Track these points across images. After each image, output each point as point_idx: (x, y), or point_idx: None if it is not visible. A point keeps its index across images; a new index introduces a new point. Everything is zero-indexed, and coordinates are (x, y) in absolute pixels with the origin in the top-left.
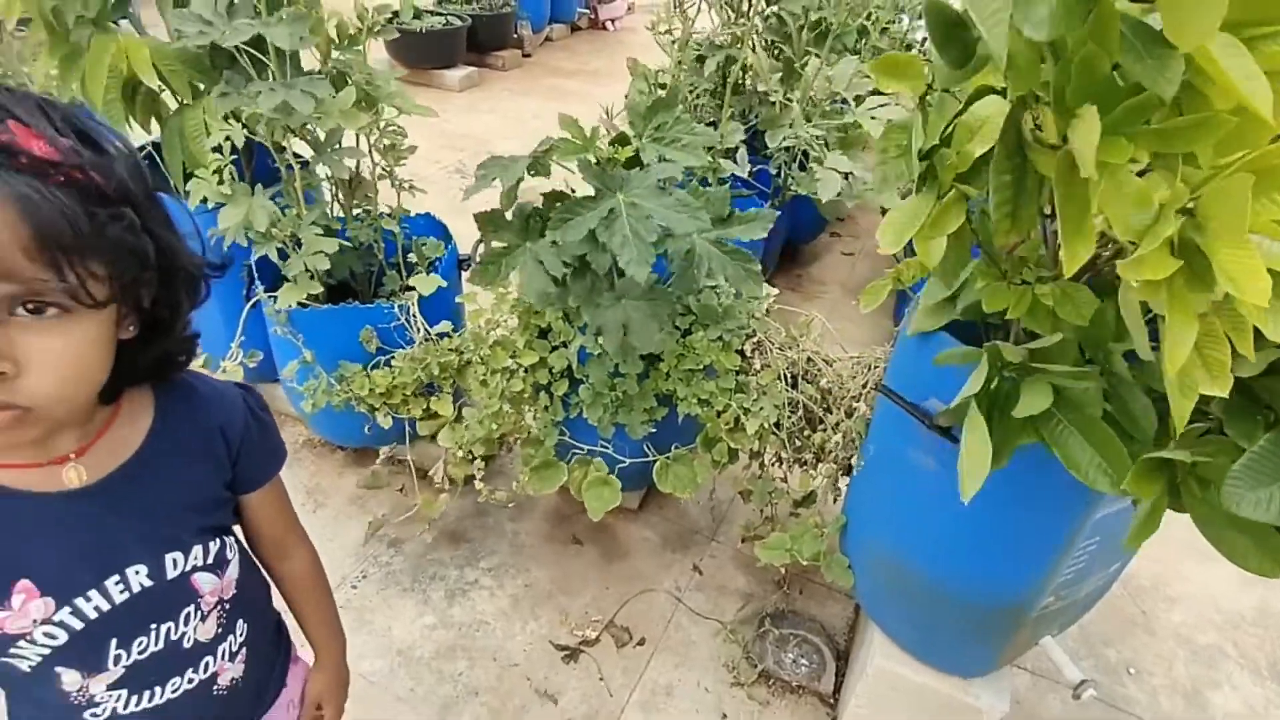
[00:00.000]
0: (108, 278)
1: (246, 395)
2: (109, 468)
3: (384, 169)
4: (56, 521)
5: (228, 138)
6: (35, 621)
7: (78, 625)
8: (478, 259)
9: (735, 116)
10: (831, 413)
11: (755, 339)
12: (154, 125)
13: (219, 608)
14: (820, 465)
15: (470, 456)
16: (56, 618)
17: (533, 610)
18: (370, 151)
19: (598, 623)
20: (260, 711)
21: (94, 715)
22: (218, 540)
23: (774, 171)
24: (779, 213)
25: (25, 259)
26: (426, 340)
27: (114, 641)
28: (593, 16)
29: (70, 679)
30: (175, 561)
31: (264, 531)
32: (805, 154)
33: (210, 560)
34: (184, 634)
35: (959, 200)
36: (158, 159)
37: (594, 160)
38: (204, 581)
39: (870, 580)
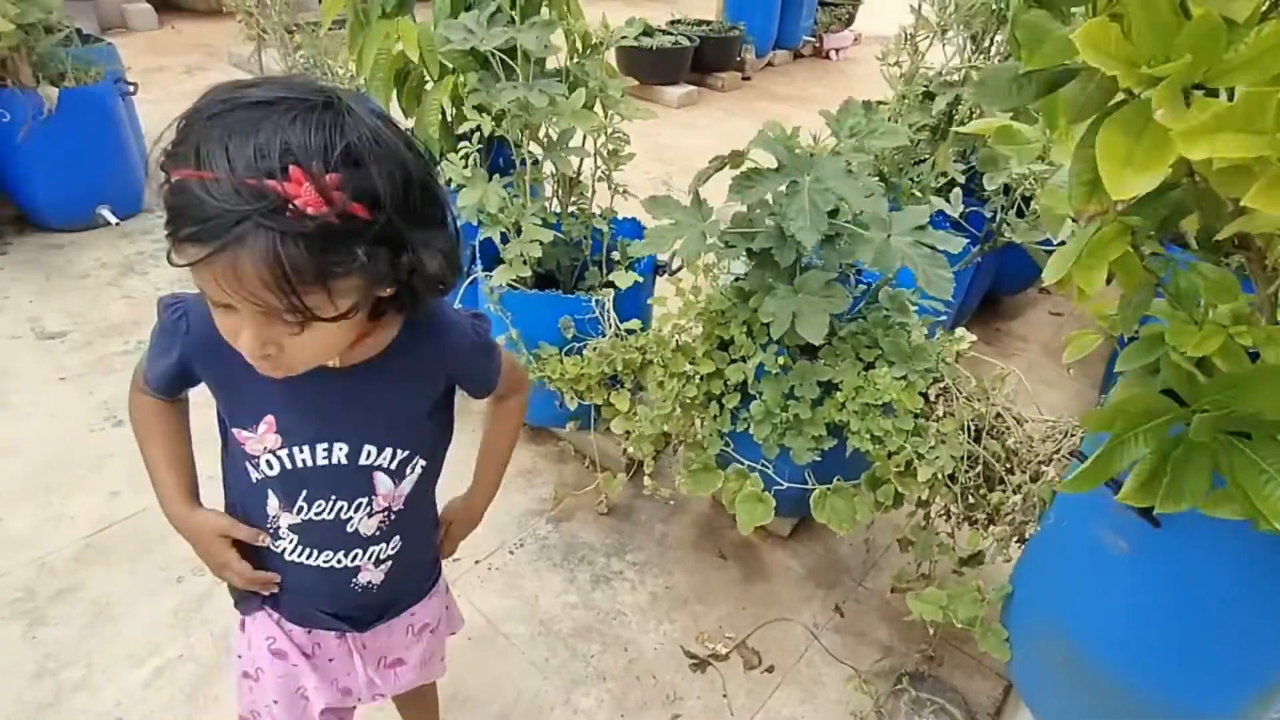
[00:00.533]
0: (351, 297)
1: (475, 323)
2: (353, 360)
3: (603, 172)
4: (307, 385)
5: (476, 128)
6: (265, 449)
7: (288, 465)
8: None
9: (955, 158)
10: (1014, 474)
11: (942, 384)
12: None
13: (385, 513)
14: (993, 527)
15: (640, 451)
16: (278, 453)
17: (668, 612)
18: (595, 154)
19: (730, 640)
20: (379, 622)
21: (277, 545)
22: (407, 453)
23: (988, 215)
24: (967, 240)
25: (277, 295)
26: (616, 336)
27: (304, 493)
28: (817, 45)
29: (272, 505)
30: (369, 453)
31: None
32: (1026, 200)
33: (393, 466)
34: (350, 519)
35: (1122, 230)
36: None
37: (789, 149)
38: (381, 483)
39: (1031, 660)
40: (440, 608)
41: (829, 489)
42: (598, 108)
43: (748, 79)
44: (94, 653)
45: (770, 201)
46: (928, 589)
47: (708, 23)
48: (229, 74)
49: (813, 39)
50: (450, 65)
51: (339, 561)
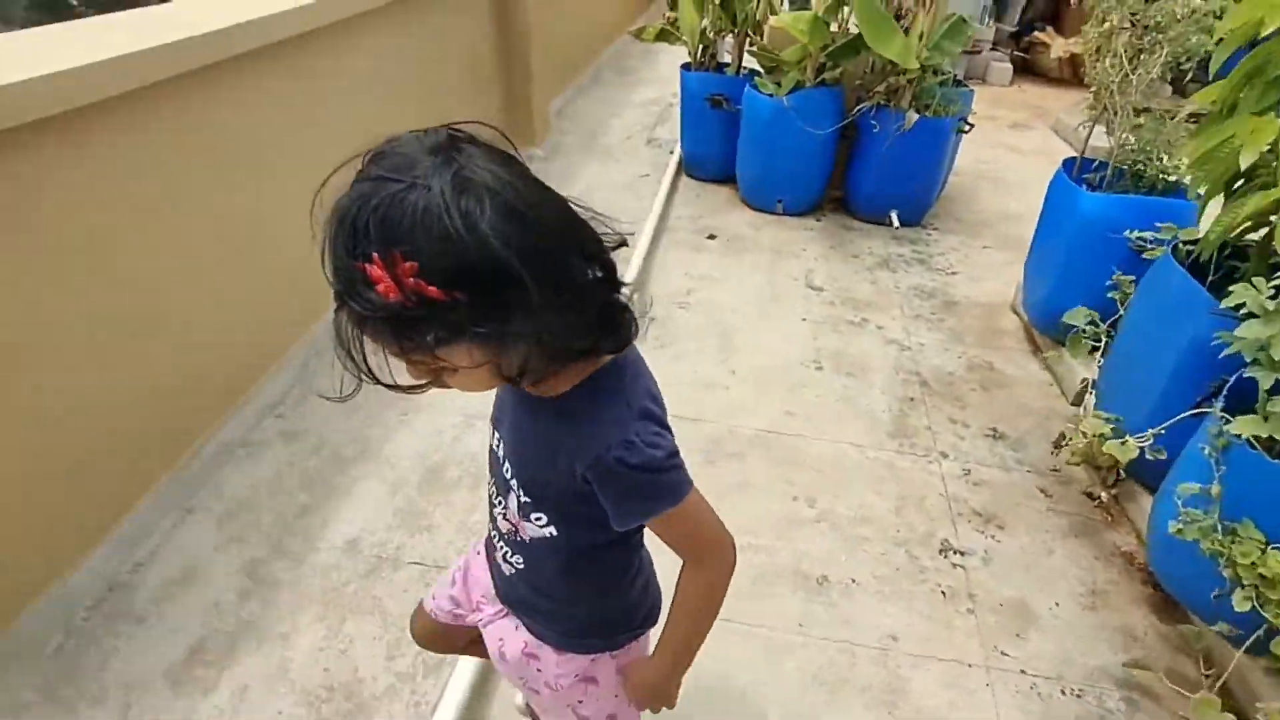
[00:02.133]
0: (464, 358)
1: (621, 449)
2: (540, 391)
3: None
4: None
5: None
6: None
7: (489, 442)
8: None
9: None
10: None
11: None
12: None
13: (513, 529)
14: None
15: None
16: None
17: None
18: None
19: None
20: (517, 606)
21: (488, 511)
22: (531, 501)
23: None
24: None
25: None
26: None
27: (492, 463)
28: None
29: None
30: (508, 469)
31: (659, 538)
32: None
33: (521, 499)
34: (495, 505)
35: None
36: None
37: None
38: (512, 504)
39: None
40: (557, 674)
41: None
42: None
43: None
44: None
45: None
46: None
47: None
48: (1045, 135)
49: None
50: None
51: (496, 538)
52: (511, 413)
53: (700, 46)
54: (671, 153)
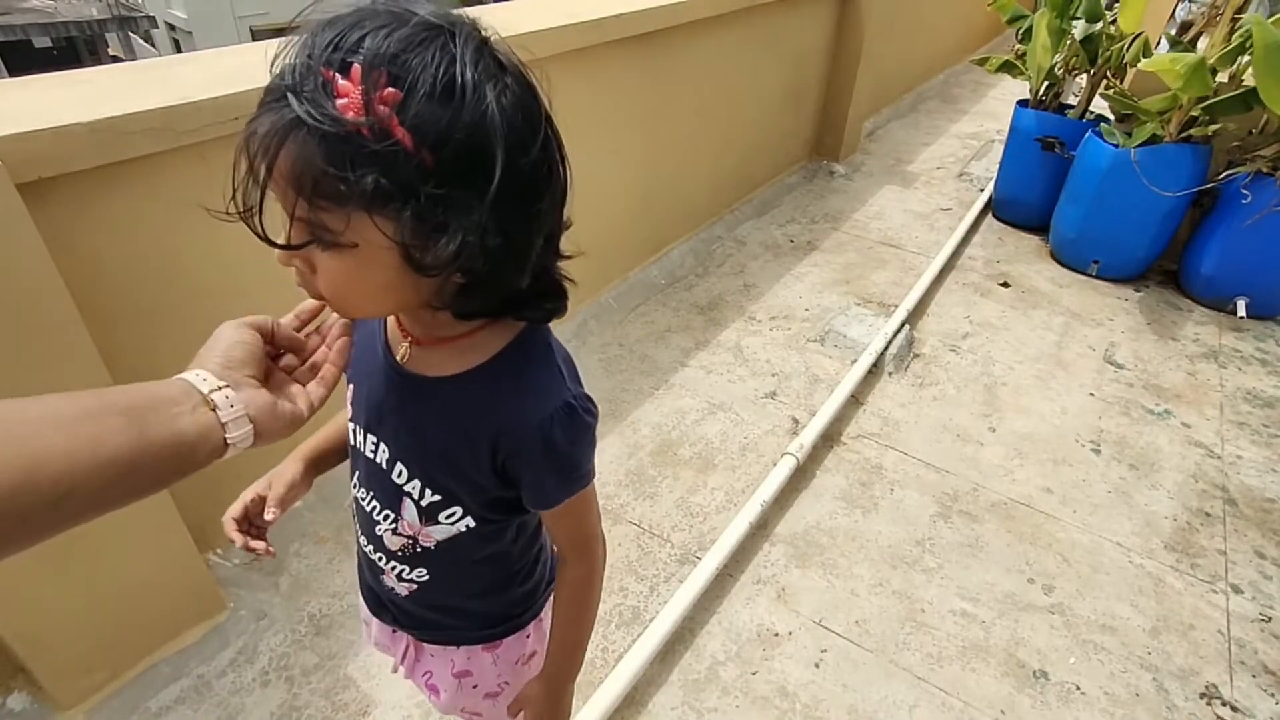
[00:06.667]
0: (372, 235)
1: (561, 415)
2: (424, 368)
3: None
4: (380, 374)
5: None
6: (348, 417)
7: (353, 441)
8: None
9: None
10: None
11: None
12: None
13: (409, 541)
14: None
15: None
16: (349, 424)
17: None
18: None
19: None
20: (417, 632)
21: (363, 535)
22: (440, 498)
23: None
24: None
25: (292, 194)
26: None
27: (360, 475)
28: None
29: (351, 469)
30: (400, 473)
31: (546, 527)
32: None
33: (423, 503)
34: (379, 524)
35: None
36: None
37: None
38: (408, 510)
39: None
40: (497, 674)
41: None
42: None
43: None
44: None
45: None
46: None
47: None
48: None
49: None
50: None
51: (369, 552)
52: (398, 409)
53: (1044, 84)
54: (982, 190)
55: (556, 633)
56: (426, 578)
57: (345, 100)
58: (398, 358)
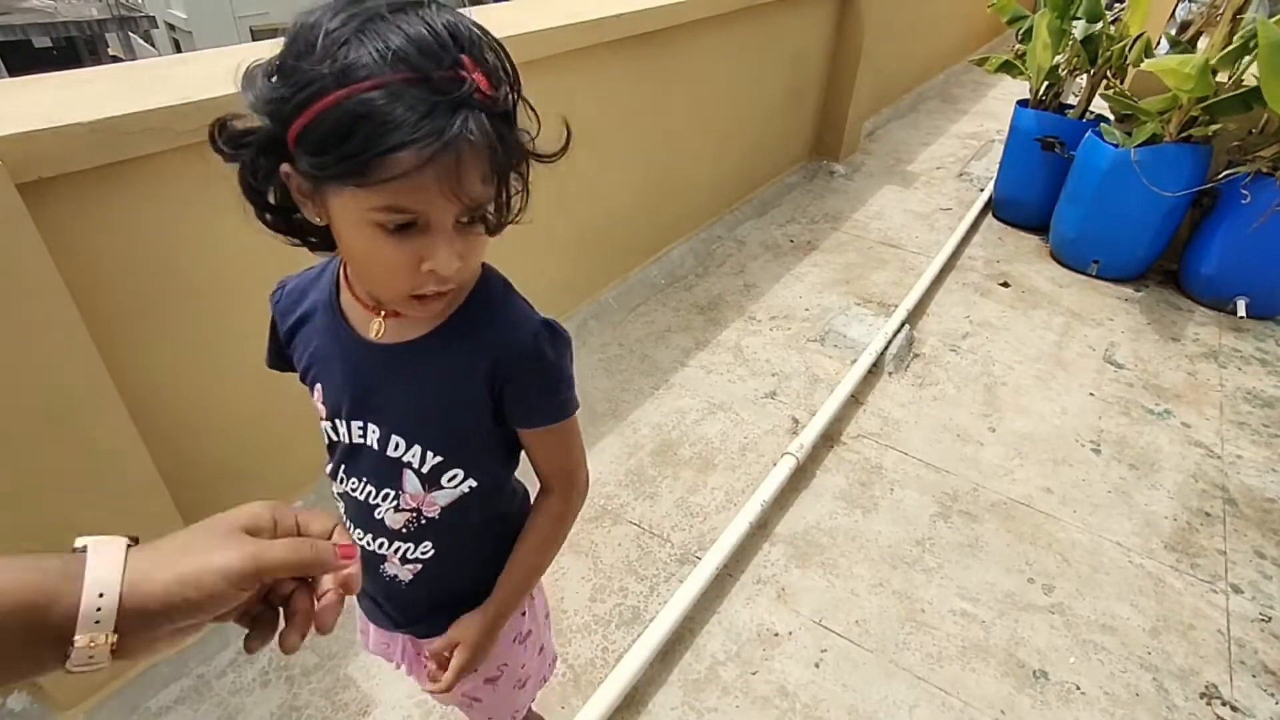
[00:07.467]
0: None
1: (545, 332)
2: (401, 335)
3: None
4: (353, 358)
5: None
6: (321, 416)
7: (334, 436)
8: None
9: None
10: None
11: None
12: None
13: (413, 514)
14: None
15: None
16: (325, 423)
17: None
18: None
19: None
20: (417, 627)
21: (339, 508)
22: (440, 459)
23: None
24: None
25: (481, 185)
26: None
27: (345, 466)
28: None
29: (331, 469)
30: (398, 445)
31: (533, 459)
32: None
33: (424, 469)
34: (377, 506)
35: None
36: None
37: None
38: (409, 481)
39: None
40: (507, 640)
41: None
42: None
43: None
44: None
45: None
46: None
47: None
48: None
49: None
50: None
51: (367, 544)
52: (384, 383)
53: (1044, 84)
54: (982, 190)
55: (518, 557)
56: (431, 552)
57: (483, 86)
58: (372, 336)
